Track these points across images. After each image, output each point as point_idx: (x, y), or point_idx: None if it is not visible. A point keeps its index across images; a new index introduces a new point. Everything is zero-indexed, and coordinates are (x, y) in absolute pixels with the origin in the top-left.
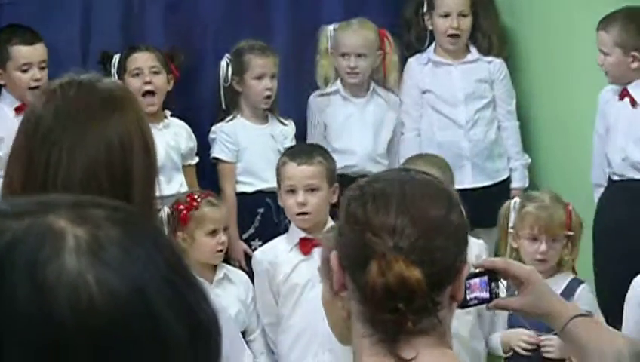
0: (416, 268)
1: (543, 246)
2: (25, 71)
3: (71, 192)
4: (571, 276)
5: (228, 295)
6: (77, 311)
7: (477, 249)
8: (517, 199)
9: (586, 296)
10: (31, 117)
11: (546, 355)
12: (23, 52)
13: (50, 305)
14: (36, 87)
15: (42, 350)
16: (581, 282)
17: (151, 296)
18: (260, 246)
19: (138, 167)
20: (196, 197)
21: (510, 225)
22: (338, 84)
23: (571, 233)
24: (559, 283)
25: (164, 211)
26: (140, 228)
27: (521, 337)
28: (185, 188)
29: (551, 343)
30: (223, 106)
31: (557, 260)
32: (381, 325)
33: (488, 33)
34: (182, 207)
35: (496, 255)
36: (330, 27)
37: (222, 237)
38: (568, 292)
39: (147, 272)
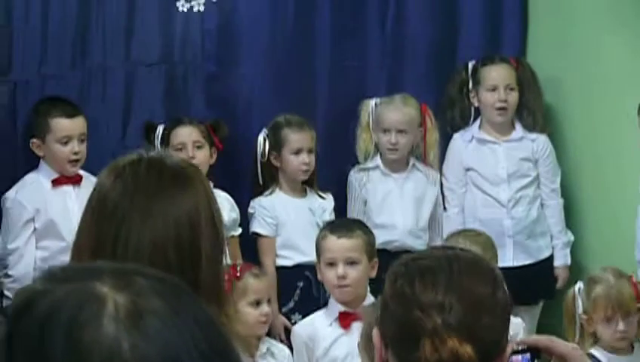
0: (468, 345)
1: (621, 326)
2: (65, 143)
3: None
4: None
5: None
6: None
7: (514, 327)
8: (580, 284)
9: None
10: (99, 194)
11: None
12: (62, 125)
13: None
14: (75, 160)
15: None
16: None
17: None
18: (300, 319)
19: (205, 243)
20: (238, 268)
21: (579, 311)
22: (378, 160)
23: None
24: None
25: None
26: (182, 301)
27: None
28: (228, 260)
29: None
30: (260, 181)
31: (633, 335)
32: None
33: (533, 109)
34: (225, 277)
35: (540, 333)
36: (372, 102)
37: (265, 308)
38: None
39: (184, 345)
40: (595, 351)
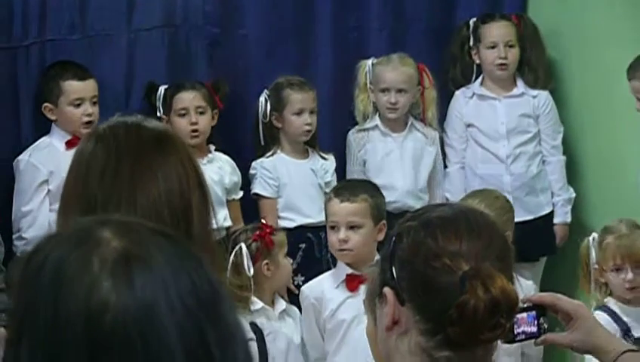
0: (509, 281)
1: (630, 275)
2: (77, 106)
3: None
4: None
5: (290, 328)
6: (87, 309)
7: (526, 288)
8: (594, 235)
9: None
10: (82, 159)
11: None
12: (75, 87)
13: (65, 299)
14: (89, 122)
15: (48, 338)
16: None
17: (160, 318)
18: (303, 281)
19: (196, 202)
20: (265, 223)
21: (593, 261)
22: (377, 120)
23: None
24: None
25: (242, 247)
26: (179, 256)
27: None
28: (229, 223)
29: None
30: (262, 142)
31: None
32: (460, 349)
33: (535, 66)
34: (262, 234)
35: (543, 290)
36: (369, 62)
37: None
38: None
39: (165, 297)
40: (609, 302)
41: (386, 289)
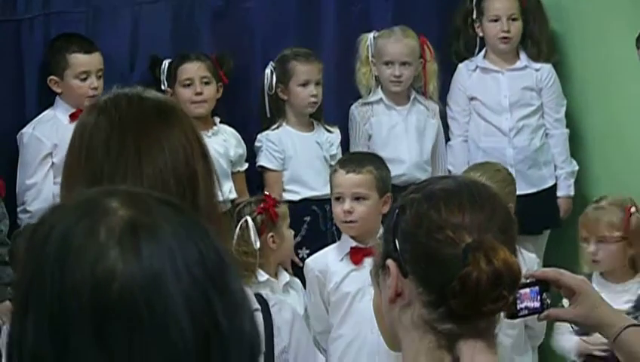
0: (512, 254)
1: (592, 247)
2: (83, 79)
3: None
4: None
5: (294, 300)
6: (94, 277)
7: (529, 262)
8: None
9: None
10: (84, 132)
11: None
12: (81, 60)
13: (72, 267)
14: (94, 96)
15: (54, 308)
16: None
17: (166, 288)
18: (308, 254)
19: (201, 172)
20: (268, 196)
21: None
22: (380, 93)
23: (619, 234)
24: (630, 288)
25: (248, 220)
26: (187, 227)
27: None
28: (234, 195)
29: None
30: (268, 114)
31: (615, 263)
32: (463, 321)
33: (538, 39)
34: (267, 206)
35: (546, 263)
36: (371, 35)
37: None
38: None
39: (173, 265)
40: (593, 276)
41: (389, 261)
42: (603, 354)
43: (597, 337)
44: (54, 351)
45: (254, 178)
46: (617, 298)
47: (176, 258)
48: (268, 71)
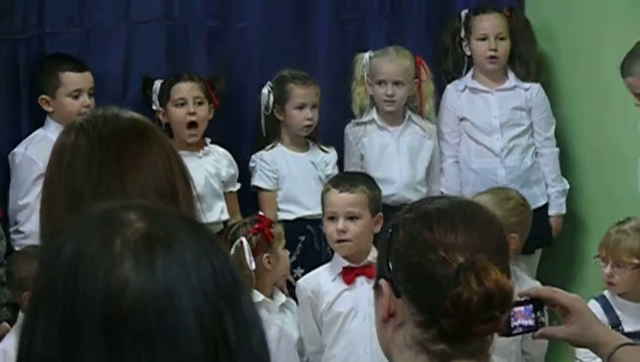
0: (504, 275)
1: (608, 269)
2: (75, 97)
3: None
4: None
5: (290, 321)
6: (107, 287)
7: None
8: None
9: None
10: (64, 151)
11: None
12: (73, 78)
13: (86, 275)
14: None
15: (66, 314)
16: None
17: (178, 301)
18: (302, 273)
19: (181, 188)
20: (263, 216)
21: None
22: (374, 113)
23: (637, 262)
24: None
25: (244, 241)
26: (202, 241)
27: None
28: (226, 216)
29: None
30: (264, 134)
31: (630, 287)
32: (454, 342)
33: (526, 59)
34: (262, 227)
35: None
36: (366, 55)
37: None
38: None
39: (186, 280)
40: (607, 292)
41: (382, 281)
42: None
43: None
44: (64, 358)
45: (248, 199)
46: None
47: (190, 272)
48: (265, 90)
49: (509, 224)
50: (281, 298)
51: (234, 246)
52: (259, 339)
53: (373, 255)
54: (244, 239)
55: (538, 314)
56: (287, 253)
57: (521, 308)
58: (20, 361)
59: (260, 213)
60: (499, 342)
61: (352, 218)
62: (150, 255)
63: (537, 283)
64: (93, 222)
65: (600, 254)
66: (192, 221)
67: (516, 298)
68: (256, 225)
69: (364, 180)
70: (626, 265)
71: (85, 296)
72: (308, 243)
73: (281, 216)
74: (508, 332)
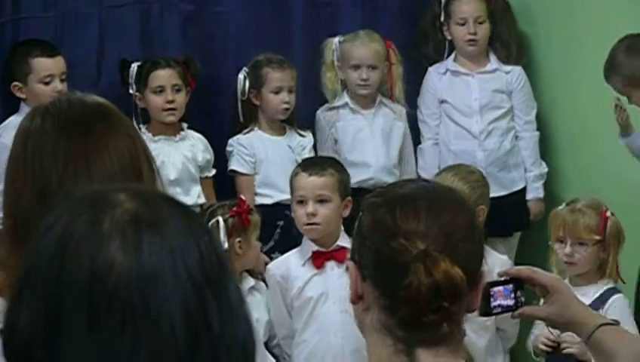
0: (457, 267)
1: (568, 249)
2: (47, 83)
3: None
4: (609, 285)
5: (258, 303)
6: (92, 267)
7: (501, 264)
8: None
9: (617, 307)
10: (28, 137)
11: (566, 351)
12: (44, 64)
13: (72, 255)
14: None
15: (50, 294)
16: (617, 292)
17: (163, 284)
18: None
19: (146, 172)
20: (243, 201)
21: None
22: (345, 97)
23: (598, 238)
24: (594, 291)
25: (220, 221)
26: (190, 228)
27: (541, 339)
28: (202, 200)
29: (570, 339)
30: (241, 119)
31: (589, 265)
32: (411, 330)
33: (507, 42)
34: (240, 210)
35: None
36: (335, 40)
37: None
38: (600, 301)
39: (172, 264)
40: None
41: (349, 263)
42: (547, 349)
43: (543, 332)
44: (47, 335)
45: (226, 185)
46: (586, 299)
47: (176, 256)
48: (241, 76)
49: (477, 196)
50: (250, 282)
51: (209, 225)
52: (244, 328)
53: (342, 239)
54: (220, 218)
55: (518, 293)
56: (260, 244)
57: (501, 288)
58: (5, 340)
59: (242, 197)
60: (475, 318)
61: (321, 201)
62: (137, 236)
63: (505, 258)
64: (83, 202)
65: (554, 236)
66: (181, 204)
67: (496, 277)
68: (235, 208)
69: (333, 164)
70: (587, 243)
71: (71, 276)
72: (286, 228)
73: (259, 200)
74: (488, 311)
